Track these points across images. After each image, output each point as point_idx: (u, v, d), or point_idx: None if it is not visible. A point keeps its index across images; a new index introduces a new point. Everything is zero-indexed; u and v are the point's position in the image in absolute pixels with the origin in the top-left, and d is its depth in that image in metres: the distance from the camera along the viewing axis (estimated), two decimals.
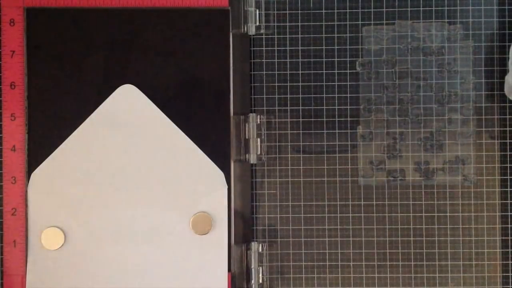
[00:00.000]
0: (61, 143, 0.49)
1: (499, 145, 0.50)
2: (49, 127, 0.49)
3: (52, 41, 0.49)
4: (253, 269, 0.49)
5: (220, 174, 0.49)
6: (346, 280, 0.50)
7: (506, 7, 0.50)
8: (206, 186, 0.49)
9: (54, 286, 0.48)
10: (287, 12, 0.50)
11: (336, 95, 0.50)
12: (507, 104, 0.49)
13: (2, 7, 0.49)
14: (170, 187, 0.49)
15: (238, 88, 0.50)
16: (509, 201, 0.49)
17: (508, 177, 0.49)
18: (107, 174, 0.49)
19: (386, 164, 0.50)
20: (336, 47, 0.50)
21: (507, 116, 0.49)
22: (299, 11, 0.50)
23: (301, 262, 0.50)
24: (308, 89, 0.50)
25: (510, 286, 0.49)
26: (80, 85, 0.49)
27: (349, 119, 0.50)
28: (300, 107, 0.50)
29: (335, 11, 0.50)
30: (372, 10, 0.50)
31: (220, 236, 0.49)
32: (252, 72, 0.50)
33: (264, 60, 0.50)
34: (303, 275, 0.50)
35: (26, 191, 0.49)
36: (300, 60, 0.50)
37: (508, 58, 0.49)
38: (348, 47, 0.50)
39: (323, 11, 0.50)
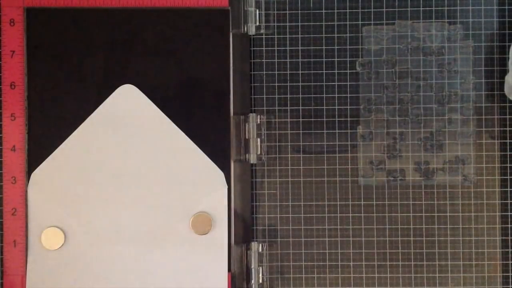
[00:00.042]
0: (61, 143, 0.49)
1: (499, 145, 0.50)
2: (49, 127, 0.49)
3: (52, 41, 0.49)
4: (253, 269, 0.49)
5: (220, 174, 0.49)
6: (346, 280, 0.50)
7: (506, 7, 0.50)
8: (206, 186, 0.49)
9: (54, 286, 0.48)
10: (287, 12, 0.50)
11: (336, 95, 0.50)
12: (507, 104, 0.49)
13: (2, 7, 0.49)
14: (170, 187, 0.49)
15: (238, 88, 0.50)
16: (509, 201, 0.49)
17: (508, 177, 0.49)
18: (107, 174, 0.49)
19: (386, 164, 0.50)
20: (336, 47, 0.50)
21: (507, 116, 0.49)
22: (299, 11, 0.50)
23: (301, 262, 0.50)
24: (308, 89, 0.50)
25: (510, 286, 0.49)
26: (80, 85, 0.49)
27: (349, 119, 0.50)
28: (300, 107, 0.50)
29: (335, 11, 0.50)
30: (372, 10, 0.50)
31: (220, 236, 0.49)
32: (252, 72, 0.50)
33: (264, 60, 0.50)
34: (303, 275, 0.50)
35: (26, 191, 0.49)
36: (300, 60, 0.50)
37: (508, 58, 0.49)
38: (348, 47, 0.50)
39: (323, 11, 0.50)
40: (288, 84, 0.50)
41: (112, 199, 0.49)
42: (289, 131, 0.50)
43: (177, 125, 0.49)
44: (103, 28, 0.49)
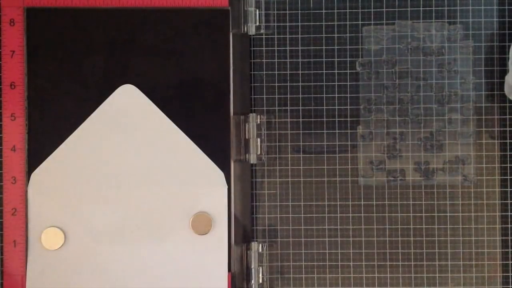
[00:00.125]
0: (61, 143, 0.49)
1: (499, 145, 0.50)
2: (49, 127, 0.49)
3: (52, 41, 0.49)
4: (253, 269, 0.49)
5: (220, 174, 0.49)
6: (346, 280, 0.50)
7: (506, 7, 0.50)
8: (206, 186, 0.49)
9: (54, 286, 0.48)
10: (287, 12, 0.50)
11: (336, 95, 0.50)
12: (507, 104, 0.49)
13: (2, 7, 0.49)
14: (170, 187, 0.49)
15: (238, 88, 0.50)
16: (509, 201, 0.49)
17: (508, 177, 0.49)
18: (107, 174, 0.49)
19: (386, 164, 0.50)
20: (336, 47, 0.50)
21: (507, 116, 0.49)
22: (299, 11, 0.50)
23: (301, 262, 0.50)
24: (308, 89, 0.50)
25: (510, 286, 0.49)
26: (80, 85, 0.49)
27: (349, 119, 0.50)
28: (300, 107, 0.50)
29: (335, 11, 0.50)
30: (372, 10, 0.50)
31: (220, 236, 0.49)
32: (252, 72, 0.50)
33: (264, 60, 0.50)
34: (303, 275, 0.50)
35: (26, 191, 0.49)
36: (300, 60, 0.50)
37: (508, 58, 0.49)
38: (348, 47, 0.50)
39: (323, 11, 0.50)
40: (288, 84, 0.50)
41: (112, 199, 0.49)
42: (289, 131, 0.50)
43: (177, 125, 0.49)
44: (103, 28, 0.49)
